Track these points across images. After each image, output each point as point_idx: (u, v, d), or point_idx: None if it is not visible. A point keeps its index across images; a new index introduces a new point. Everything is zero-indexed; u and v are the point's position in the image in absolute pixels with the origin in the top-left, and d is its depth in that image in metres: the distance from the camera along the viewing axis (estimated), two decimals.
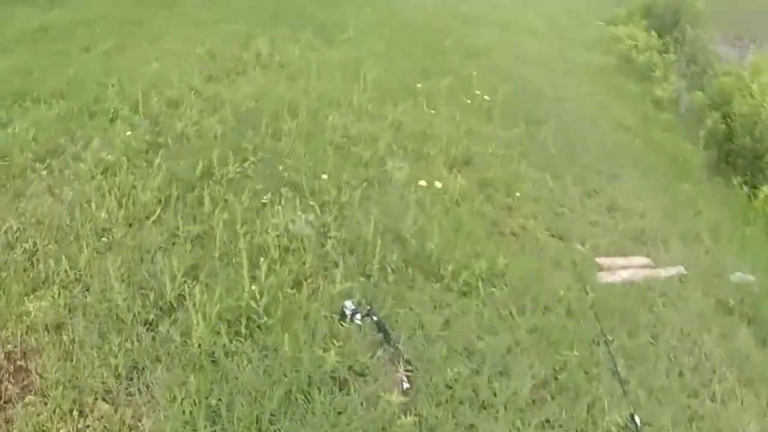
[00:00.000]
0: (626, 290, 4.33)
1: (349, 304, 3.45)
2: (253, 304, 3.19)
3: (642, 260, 4.88)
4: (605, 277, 4.46)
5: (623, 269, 4.63)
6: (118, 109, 5.17)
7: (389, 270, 3.82)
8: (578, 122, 7.56)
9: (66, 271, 3.37)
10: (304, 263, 3.67)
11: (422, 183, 4.70)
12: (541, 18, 13.01)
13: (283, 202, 4.16)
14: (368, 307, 3.50)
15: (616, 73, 10.23)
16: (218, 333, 3.06)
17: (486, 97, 7.01)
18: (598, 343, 3.74)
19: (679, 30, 13.02)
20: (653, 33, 12.96)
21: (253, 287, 3.27)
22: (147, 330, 3.11)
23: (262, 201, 4.21)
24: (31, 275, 3.35)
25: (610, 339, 3.80)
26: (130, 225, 3.82)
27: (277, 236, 3.76)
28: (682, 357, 3.80)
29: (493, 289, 3.94)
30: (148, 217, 3.89)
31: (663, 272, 4.69)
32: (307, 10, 9.33)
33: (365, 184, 4.70)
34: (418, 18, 10.58)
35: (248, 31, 7.89)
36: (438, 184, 4.77)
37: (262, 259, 3.39)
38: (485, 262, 4.02)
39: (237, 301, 3.22)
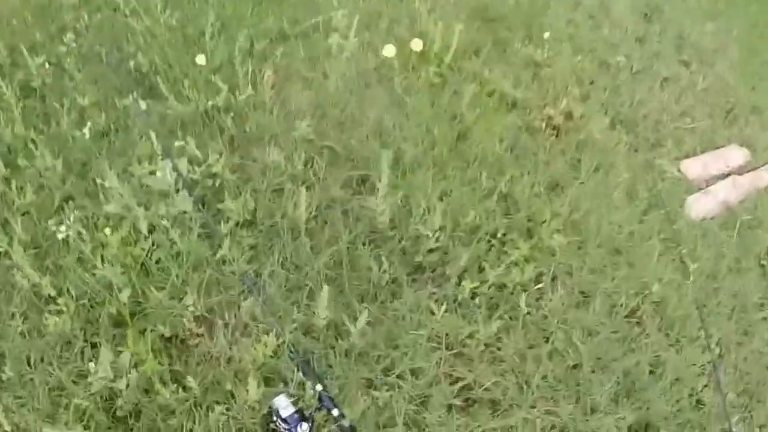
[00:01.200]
0: (728, 237, 2.56)
1: (282, 403, 1.49)
2: None
3: (736, 154, 3.10)
4: (697, 208, 2.72)
5: (716, 179, 2.87)
6: None
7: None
8: None
9: None
10: (184, 308, 1.61)
11: (388, 52, 2.38)
12: None
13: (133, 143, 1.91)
14: (319, 390, 1.56)
15: None
16: None
17: None
18: (705, 371, 2.15)
19: None
20: None
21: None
22: None
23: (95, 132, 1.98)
24: None
25: (720, 355, 2.22)
26: None
27: (122, 240, 1.62)
28: None
29: (539, 289, 2.10)
30: None
31: (765, 174, 3.02)
32: None
33: (281, 51, 2.36)
34: None
35: None
36: (416, 46, 2.46)
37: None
38: (519, 235, 2.09)
39: None
